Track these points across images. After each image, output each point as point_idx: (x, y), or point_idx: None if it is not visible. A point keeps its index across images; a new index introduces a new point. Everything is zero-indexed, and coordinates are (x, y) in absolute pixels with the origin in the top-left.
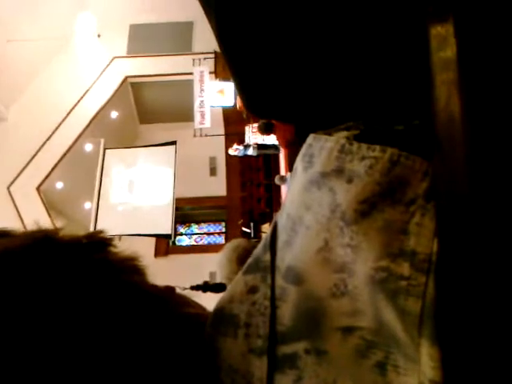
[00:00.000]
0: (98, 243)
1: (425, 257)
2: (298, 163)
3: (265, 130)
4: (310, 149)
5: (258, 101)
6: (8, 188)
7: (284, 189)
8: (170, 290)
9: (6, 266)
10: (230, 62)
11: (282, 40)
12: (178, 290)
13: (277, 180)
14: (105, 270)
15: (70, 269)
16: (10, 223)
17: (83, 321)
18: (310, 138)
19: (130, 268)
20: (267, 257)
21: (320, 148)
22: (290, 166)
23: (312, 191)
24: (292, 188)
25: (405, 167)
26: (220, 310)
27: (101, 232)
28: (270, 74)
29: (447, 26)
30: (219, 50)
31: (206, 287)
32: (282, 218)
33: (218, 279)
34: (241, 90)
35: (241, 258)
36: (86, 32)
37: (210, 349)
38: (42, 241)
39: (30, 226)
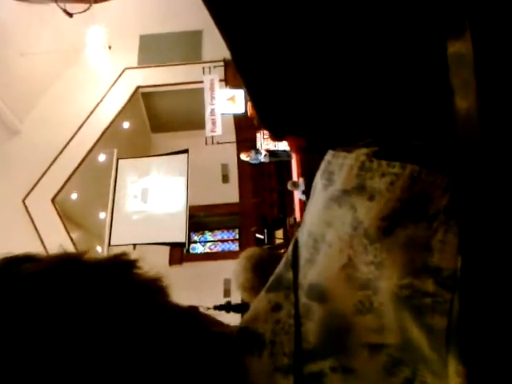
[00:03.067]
0: (123, 265)
1: (449, 273)
2: (318, 180)
3: (275, 137)
4: (329, 166)
5: (274, 117)
6: (23, 201)
7: (297, 194)
8: (193, 309)
9: (33, 287)
10: (245, 81)
11: (296, 60)
12: (202, 310)
13: (289, 185)
14: (131, 291)
15: (97, 289)
16: (26, 236)
17: (114, 340)
18: (329, 155)
19: (156, 288)
20: (290, 274)
21: (340, 165)
22: (303, 172)
23: (333, 208)
24: (312, 205)
25: (425, 183)
26: (244, 328)
27: (125, 254)
28: (285, 91)
29: (465, 41)
30: (229, 58)
31: (229, 307)
32: (302, 235)
33: (234, 288)
34: (256, 107)
35: (256, 267)
36: (97, 44)
37: (236, 368)
38: (67, 263)
39: (52, 245)
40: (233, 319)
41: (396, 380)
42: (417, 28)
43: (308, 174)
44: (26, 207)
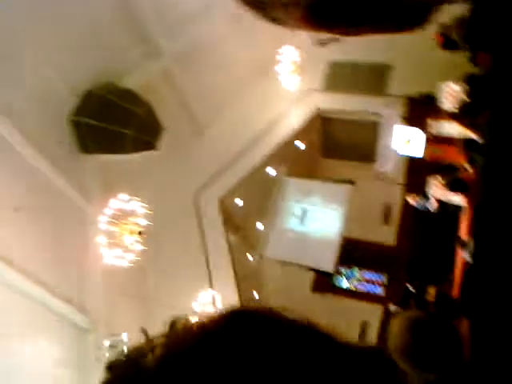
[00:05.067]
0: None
1: None
2: None
3: (453, 187)
4: None
5: None
6: (195, 194)
7: (461, 253)
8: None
9: None
10: None
11: None
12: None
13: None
14: None
15: None
16: (188, 226)
17: None
18: None
19: None
20: None
21: None
22: (473, 231)
23: None
24: None
25: None
26: None
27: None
28: None
29: None
30: (413, 96)
31: None
32: None
33: (391, 348)
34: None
35: (414, 333)
36: (287, 63)
37: None
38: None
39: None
40: None
41: None
42: None
43: (479, 235)
44: (195, 200)
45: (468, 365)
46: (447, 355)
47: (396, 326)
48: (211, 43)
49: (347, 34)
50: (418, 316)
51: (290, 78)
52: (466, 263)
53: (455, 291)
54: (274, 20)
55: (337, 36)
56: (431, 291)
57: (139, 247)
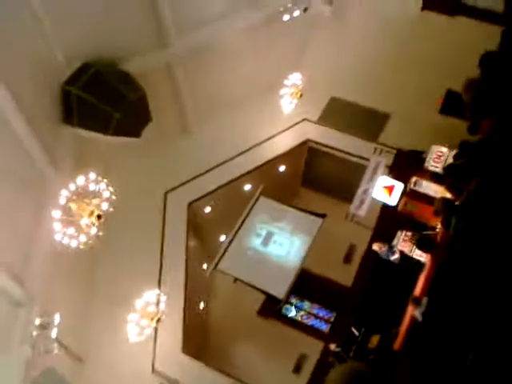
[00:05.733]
0: None
1: None
2: None
3: (421, 245)
4: None
5: None
6: (166, 193)
7: (412, 310)
8: None
9: None
10: None
11: None
12: None
13: (410, 299)
14: None
15: None
16: (152, 224)
17: None
18: None
19: None
20: None
21: None
22: (429, 291)
23: None
24: None
25: None
26: None
27: None
28: None
29: None
30: (403, 150)
31: None
32: None
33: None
34: None
35: (351, 381)
36: (292, 88)
37: None
38: None
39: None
40: None
41: None
42: None
43: (435, 297)
44: (165, 199)
45: None
46: None
47: (337, 371)
48: (221, 51)
49: None
50: (359, 368)
51: (289, 102)
52: (413, 320)
53: (397, 345)
54: None
55: None
56: (374, 339)
57: (94, 231)
